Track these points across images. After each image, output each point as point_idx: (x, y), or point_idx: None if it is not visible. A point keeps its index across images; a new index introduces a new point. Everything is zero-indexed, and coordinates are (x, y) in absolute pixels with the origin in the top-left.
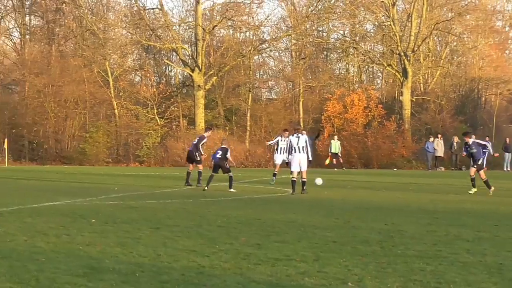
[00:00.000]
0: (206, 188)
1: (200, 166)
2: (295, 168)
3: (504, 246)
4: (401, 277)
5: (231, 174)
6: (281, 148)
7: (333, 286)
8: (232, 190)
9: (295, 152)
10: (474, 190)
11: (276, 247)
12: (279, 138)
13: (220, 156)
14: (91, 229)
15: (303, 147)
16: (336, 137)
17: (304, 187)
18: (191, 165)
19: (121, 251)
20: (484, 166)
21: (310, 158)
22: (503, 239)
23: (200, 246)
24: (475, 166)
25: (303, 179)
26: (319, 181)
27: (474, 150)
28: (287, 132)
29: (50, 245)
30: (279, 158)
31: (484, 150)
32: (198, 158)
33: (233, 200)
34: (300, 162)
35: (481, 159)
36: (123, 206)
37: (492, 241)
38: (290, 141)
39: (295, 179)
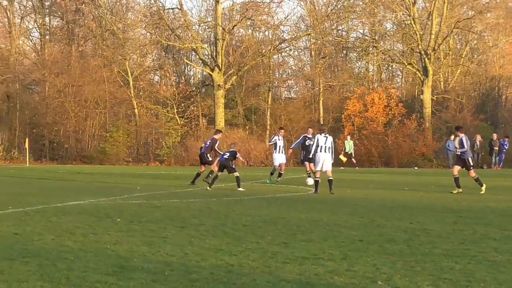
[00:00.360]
0: (208, 188)
1: (212, 167)
2: (319, 168)
3: None
4: (431, 275)
5: (236, 174)
6: (279, 147)
7: (363, 285)
8: (240, 189)
9: (320, 151)
10: (458, 190)
11: (303, 246)
12: (276, 138)
13: (226, 157)
14: (117, 228)
15: (329, 147)
16: (349, 136)
17: (332, 186)
18: (203, 166)
19: (148, 250)
20: (472, 165)
21: (332, 161)
22: None
23: (226, 245)
24: (458, 164)
25: (330, 178)
26: (310, 181)
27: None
28: (282, 131)
29: (78, 244)
30: (279, 158)
31: (503, 149)
32: (210, 159)
33: (256, 199)
34: (324, 162)
35: (469, 158)
36: (147, 205)
37: None
38: (317, 140)
39: (318, 178)
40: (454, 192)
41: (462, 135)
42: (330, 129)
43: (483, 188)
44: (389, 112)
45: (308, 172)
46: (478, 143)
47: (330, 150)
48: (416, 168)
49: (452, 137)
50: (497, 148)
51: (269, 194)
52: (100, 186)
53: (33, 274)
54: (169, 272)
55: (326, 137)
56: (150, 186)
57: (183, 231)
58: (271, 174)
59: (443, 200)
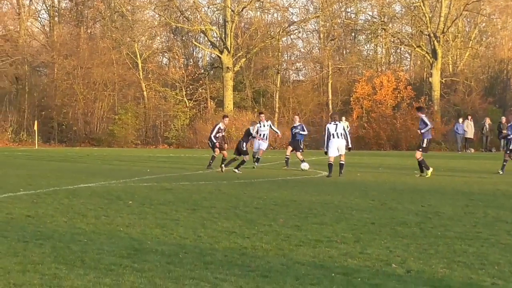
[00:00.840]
0: (236, 171)
1: (223, 152)
2: (332, 153)
3: None
4: (444, 258)
5: (245, 157)
6: (262, 134)
7: (377, 268)
8: (236, 170)
9: (333, 137)
10: (427, 172)
11: (315, 228)
12: (257, 125)
13: (240, 139)
14: (129, 211)
15: (341, 133)
16: (344, 118)
17: (342, 170)
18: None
19: (161, 232)
20: (424, 147)
21: (350, 146)
22: None
23: (239, 227)
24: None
25: (342, 162)
26: (305, 165)
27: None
28: (263, 115)
29: (90, 226)
30: (263, 145)
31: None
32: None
33: (267, 182)
34: (338, 147)
35: (426, 139)
36: (158, 188)
37: None
38: (328, 130)
39: (331, 162)
40: (423, 175)
41: (422, 115)
42: (339, 111)
43: (428, 172)
44: (398, 95)
45: (288, 156)
46: (487, 126)
47: (343, 136)
48: None
49: (461, 120)
50: (505, 131)
51: (279, 177)
52: (110, 169)
53: (47, 256)
54: (183, 254)
55: (336, 124)
56: (159, 168)
57: (195, 214)
58: (257, 160)
59: (453, 183)
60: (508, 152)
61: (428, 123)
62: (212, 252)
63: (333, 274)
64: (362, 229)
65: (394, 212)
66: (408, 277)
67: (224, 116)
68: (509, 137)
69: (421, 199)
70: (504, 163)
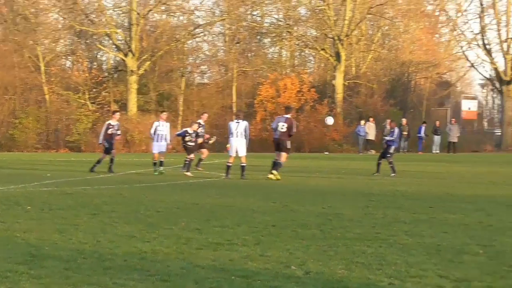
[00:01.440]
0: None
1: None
2: (233, 153)
3: (440, 227)
4: (343, 259)
5: (189, 157)
6: (158, 135)
7: (276, 270)
8: (186, 172)
9: (232, 137)
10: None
11: (217, 231)
12: (156, 123)
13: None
14: (27, 216)
15: (241, 133)
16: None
17: (244, 173)
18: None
19: (60, 237)
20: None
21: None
22: (439, 221)
23: (140, 231)
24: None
25: (242, 164)
26: (330, 120)
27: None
28: (164, 114)
29: None
30: (156, 146)
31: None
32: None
33: (168, 185)
34: (237, 147)
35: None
36: (58, 193)
37: (429, 222)
38: (229, 127)
39: (230, 164)
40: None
41: (287, 115)
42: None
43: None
44: (301, 98)
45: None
46: (388, 127)
47: (243, 135)
48: (326, 153)
49: (363, 122)
50: (406, 133)
51: (181, 180)
52: (8, 173)
53: None
54: (82, 260)
55: (238, 122)
56: (60, 173)
57: (96, 218)
58: (154, 164)
59: (354, 185)
60: (388, 156)
61: (294, 129)
62: (111, 257)
63: (233, 277)
64: (263, 231)
65: (295, 214)
66: (307, 278)
67: (114, 112)
68: (389, 141)
69: (323, 200)
70: (391, 165)
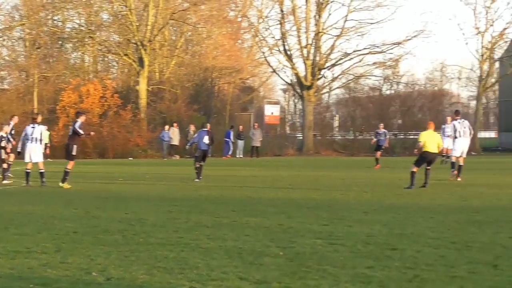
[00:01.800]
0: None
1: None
2: (27, 159)
3: (242, 230)
4: (145, 264)
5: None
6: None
7: (77, 276)
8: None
9: (27, 142)
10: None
11: (16, 239)
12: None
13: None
14: None
15: (36, 138)
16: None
17: (43, 179)
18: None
19: None
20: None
21: (43, 150)
22: (241, 224)
23: None
24: None
25: (41, 170)
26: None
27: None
28: (16, 117)
29: None
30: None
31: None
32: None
33: None
34: (31, 153)
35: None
36: None
37: (231, 226)
38: (25, 131)
39: (29, 170)
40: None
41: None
42: (45, 120)
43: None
44: (105, 103)
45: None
46: (192, 132)
47: (38, 140)
48: (131, 158)
49: (167, 127)
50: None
51: None
52: None
53: None
54: None
55: (34, 127)
56: None
57: None
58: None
59: (158, 190)
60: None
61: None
62: None
63: (31, 285)
64: (64, 238)
65: (98, 220)
66: (108, 284)
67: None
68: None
69: (126, 206)
70: (197, 170)
